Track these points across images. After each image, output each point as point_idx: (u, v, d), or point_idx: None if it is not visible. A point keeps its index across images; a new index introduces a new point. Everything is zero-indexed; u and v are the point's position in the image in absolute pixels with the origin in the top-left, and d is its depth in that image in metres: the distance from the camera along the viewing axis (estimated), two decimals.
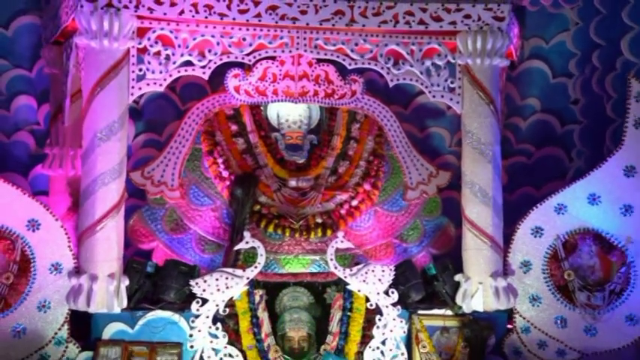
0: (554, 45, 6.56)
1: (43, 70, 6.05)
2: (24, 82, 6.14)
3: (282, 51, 5.31)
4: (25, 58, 6.14)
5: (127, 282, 5.06)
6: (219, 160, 5.73)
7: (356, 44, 5.29)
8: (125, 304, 5.06)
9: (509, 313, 5.47)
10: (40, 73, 6.10)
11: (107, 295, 4.95)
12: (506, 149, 6.48)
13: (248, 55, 5.24)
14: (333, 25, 5.18)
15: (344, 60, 5.33)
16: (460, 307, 5.32)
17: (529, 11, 6.48)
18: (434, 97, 5.40)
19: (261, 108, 5.91)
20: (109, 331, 5.18)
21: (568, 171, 6.52)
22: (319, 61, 5.64)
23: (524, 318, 5.45)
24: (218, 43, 5.18)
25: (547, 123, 6.62)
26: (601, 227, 5.45)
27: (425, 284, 5.45)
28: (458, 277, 5.34)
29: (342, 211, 5.74)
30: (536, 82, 6.60)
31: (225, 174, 5.70)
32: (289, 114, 5.86)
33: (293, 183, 5.72)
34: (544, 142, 6.62)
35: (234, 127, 5.86)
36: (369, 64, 5.33)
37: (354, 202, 5.78)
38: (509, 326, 5.49)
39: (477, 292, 5.24)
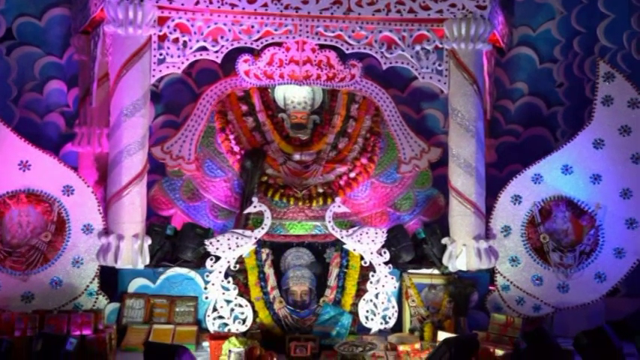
0: (540, 33, 6.96)
1: (73, 57, 6.52)
2: (55, 68, 6.60)
3: (287, 37, 5.78)
4: (56, 46, 6.58)
5: (149, 242, 5.56)
6: (231, 137, 6.21)
7: (353, 31, 5.75)
8: (148, 261, 5.57)
9: (491, 273, 5.91)
10: (70, 60, 6.57)
11: (132, 252, 5.46)
12: (496, 130, 6.98)
13: (256, 41, 5.72)
14: (332, 13, 5.66)
15: (342, 45, 5.80)
16: (446, 267, 5.78)
17: (518, 2, 6.89)
18: (423, 78, 5.85)
19: (269, 90, 6.37)
20: (134, 285, 5.72)
21: (553, 150, 6.88)
22: (321, 47, 6.10)
23: (504, 277, 5.88)
24: (229, 30, 5.66)
25: (534, 105, 7.01)
26: (573, 194, 5.85)
27: (415, 246, 5.92)
28: (444, 240, 5.80)
29: (341, 182, 6.20)
30: (524, 67, 7.00)
31: (236, 149, 6.18)
32: (295, 96, 6.33)
33: (297, 157, 6.20)
34: (531, 123, 7.00)
35: (244, 107, 6.33)
36: (365, 48, 5.79)
37: (352, 174, 6.24)
38: (491, 288, 5.92)
39: (461, 254, 5.69)
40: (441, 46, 5.79)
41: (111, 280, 5.73)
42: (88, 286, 5.57)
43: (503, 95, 7.03)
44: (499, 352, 5.06)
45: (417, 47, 5.80)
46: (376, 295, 5.67)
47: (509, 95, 7.04)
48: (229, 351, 4.80)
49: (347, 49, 5.81)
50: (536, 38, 6.97)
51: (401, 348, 5.18)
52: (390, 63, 5.85)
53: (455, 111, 5.79)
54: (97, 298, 5.59)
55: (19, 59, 6.53)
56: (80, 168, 6.37)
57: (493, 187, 6.02)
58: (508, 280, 5.89)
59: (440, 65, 5.82)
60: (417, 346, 5.25)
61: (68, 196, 5.55)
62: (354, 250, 5.71)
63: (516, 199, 5.90)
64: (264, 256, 5.72)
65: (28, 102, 6.56)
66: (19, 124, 6.32)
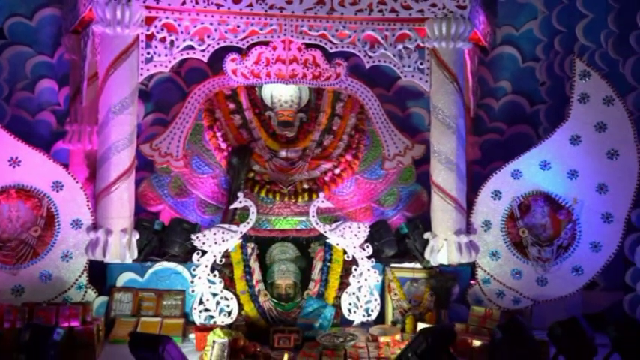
0: (523, 32, 7.07)
1: (64, 56, 6.61)
2: (46, 68, 6.70)
3: (272, 37, 5.90)
4: (48, 45, 6.68)
5: (137, 236, 5.68)
6: (219, 134, 6.32)
7: (336, 30, 5.87)
8: (136, 255, 5.69)
9: (472, 267, 6.02)
10: (61, 59, 6.66)
11: (120, 247, 5.58)
12: (480, 127, 7.07)
13: (242, 40, 5.83)
14: (316, 13, 5.78)
15: (326, 44, 5.91)
16: (428, 261, 5.90)
17: (501, 2, 7.01)
18: (405, 76, 5.97)
19: (256, 89, 6.48)
20: (122, 279, 5.83)
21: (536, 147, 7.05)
22: (308, 46, 6.20)
23: (484, 270, 6.00)
24: (216, 30, 5.78)
25: (517, 103, 7.12)
26: (551, 190, 5.95)
27: (397, 241, 6.04)
28: (427, 235, 5.92)
29: (327, 179, 6.32)
30: (508, 66, 7.11)
31: (223, 146, 6.29)
32: (281, 94, 6.43)
33: (283, 154, 6.31)
34: (515, 121, 7.10)
35: (231, 105, 6.44)
36: (349, 47, 5.91)
37: (337, 171, 6.36)
38: (472, 282, 6.04)
39: (443, 248, 5.81)
40: (422, 45, 5.91)
41: (100, 274, 5.83)
42: (77, 279, 5.68)
43: (488, 93, 7.13)
44: (476, 343, 5.18)
45: (400, 46, 5.92)
46: (359, 289, 5.78)
47: (493, 93, 7.15)
48: (213, 341, 4.89)
49: (331, 48, 5.92)
50: (519, 37, 7.08)
51: (382, 339, 5.29)
52: (374, 62, 5.96)
53: (436, 108, 5.90)
54: (86, 292, 5.70)
55: (11, 58, 6.62)
56: (71, 165, 6.46)
57: (477, 184, 6.12)
58: (488, 273, 6.00)
59: (422, 64, 5.93)
60: (398, 337, 5.36)
61: (57, 191, 5.66)
62: (338, 244, 5.82)
63: (496, 194, 6.01)
64: (249, 251, 5.83)
65: (20, 100, 6.65)
66: (11, 122, 6.41)
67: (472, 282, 6.05)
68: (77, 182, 5.75)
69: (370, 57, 5.93)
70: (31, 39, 6.67)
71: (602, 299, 6.24)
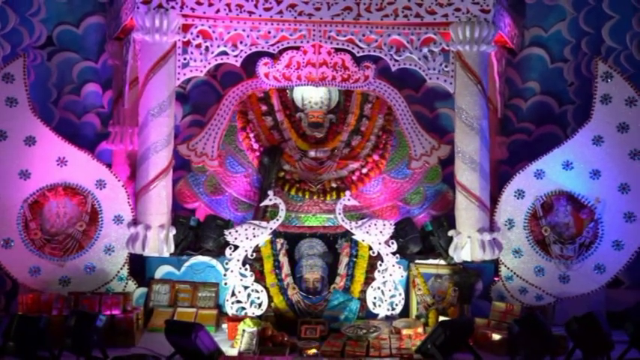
0: (552, 33, 7.08)
1: (107, 61, 6.88)
2: (91, 72, 6.94)
3: (301, 42, 6.07)
4: (93, 52, 6.94)
5: (174, 232, 5.92)
6: (251, 135, 6.54)
7: (363, 35, 6.01)
8: (173, 249, 5.92)
9: (495, 264, 6.10)
10: (105, 65, 6.93)
11: (158, 241, 5.82)
12: (508, 127, 7.10)
13: (273, 45, 6.03)
14: (343, 19, 5.93)
15: (353, 48, 6.06)
16: (452, 258, 5.99)
17: (529, 4, 7.05)
18: (430, 79, 6.08)
19: (287, 91, 6.67)
20: (160, 271, 6.09)
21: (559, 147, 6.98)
22: (337, 50, 6.35)
23: (508, 268, 6.06)
24: (248, 36, 5.98)
25: (546, 104, 7.13)
26: (573, 189, 5.99)
27: (422, 238, 6.16)
28: (451, 233, 6.02)
29: (354, 178, 6.48)
30: (536, 67, 7.12)
31: (255, 146, 6.51)
32: (312, 96, 6.62)
33: (312, 154, 6.50)
34: (543, 121, 7.12)
35: (264, 107, 6.65)
36: (375, 51, 6.04)
37: (364, 170, 6.51)
38: (495, 278, 6.12)
39: (466, 245, 5.90)
40: (447, 48, 5.98)
41: (139, 267, 6.09)
42: (118, 271, 5.95)
43: (516, 94, 7.15)
44: (496, 337, 5.26)
45: (425, 50, 6.01)
46: (384, 283, 5.91)
47: (521, 94, 7.16)
48: (243, 330, 5.10)
49: (358, 53, 6.06)
50: (547, 39, 7.08)
51: (404, 332, 5.43)
52: (400, 65, 6.05)
53: (460, 110, 5.98)
54: (126, 283, 5.96)
55: (59, 64, 6.91)
56: (114, 164, 6.67)
57: (505, 183, 6.17)
58: (511, 270, 6.06)
59: (446, 67, 6.01)
60: (420, 330, 5.49)
61: (101, 189, 5.94)
62: (363, 240, 5.96)
63: (520, 193, 6.06)
64: (278, 246, 6.02)
65: (67, 103, 6.94)
66: (59, 124, 6.71)
67: (495, 279, 6.13)
68: (119, 180, 6.02)
69: (396, 60, 6.03)
70: (77, 45, 6.90)
71: (626, 297, 6.26)
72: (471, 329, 4.82)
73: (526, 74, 7.17)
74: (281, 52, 6.29)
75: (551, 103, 7.16)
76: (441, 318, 5.58)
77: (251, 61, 6.36)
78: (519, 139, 7.14)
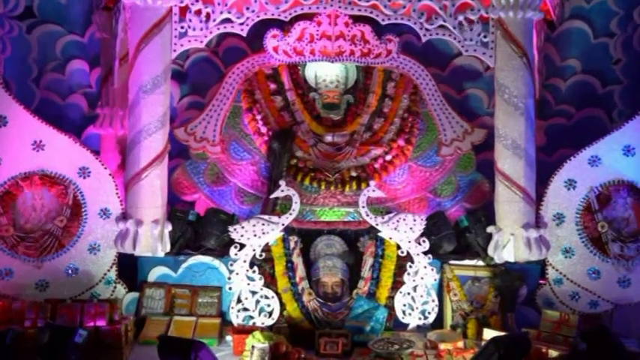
0: (595, 4, 6.60)
1: (95, 35, 6.48)
2: (77, 47, 6.59)
3: (317, 7, 5.55)
4: (78, 24, 6.57)
5: (170, 228, 5.48)
6: (258, 117, 6.13)
7: (389, 0, 5.47)
8: (168, 248, 5.50)
9: (542, 265, 5.63)
10: (92, 39, 6.54)
11: (151, 239, 5.38)
12: (546, 110, 6.69)
13: (284, 12, 5.51)
14: None
15: (377, 16, 5.53)
16: (492, 258, 5.53)
17: None
18: (466, 51, 5.57)
19: (299, 68, 6.24)
20: (154, 274, 5.67)
21: (609, 132, 6.51)
22: (355, 21, 5.86)
23: (556, 270, 5.60)
24: (255, 1, 5.47)
25: (588, 84, 6.69)
26: (635, 179, 5.53)
27: (457, 235, 5.71)
28: (490, 229, 5.54)
29: (377, 165, 6.06)
30: (577, 42, 6.68)
31: (263, 130, 6.09)
32: (327, 74, 6.18)
33: (329, 138, 6.08)
34: (584, 103, 6.69)
35: (272, 86, 6.22)
36: (403, 19, 5.51)
37: (388, 157, 6.08)
38: (541, 281, 5.64)
39: (509, 244, 5.42)
40: (486, 15, 5.49)
41: (130, 269, 5.68)
42: (105, 274, 5.55)
43: (554, 73, 6.73)
44: (553, 353, 4.78)
45: (460, 17, 5.53)
46: (414, 288, 5.48)
47: (559, 73, 6.75)
48: (252, 347, 4.66)
49: (383, 20, 5.56)
50: (590, 10, 6.64)
51: (442, 346, 4.98)
52: (430, 35, 5.58)
53: (502, 87, 5.49)
54: (115, 287, 5.56)
55: (40, 38, 6.54)
56: (102, 151, 6.37)
57: (542, 173, 5.72)
58: (561, 273, 5.61)
59: (485, 37, 5.55)
60: (460, 344, 5.04)
61: (84, 178, 5.53)
62: (390, 238, 5.52)
63: (570, 183, 5.61)
64: (292, 244, 5.59)
65: (50, 82, 6.59)
66: (40, 106, 6.37)
67: (542, 282, 5.66)
68: (105, 168, 5.59)
69: (427, 30, 5.52)
70: (61, 17, 6.59)
71: None
72: (528, 347, 4.34)
73: (565, 51, 6.73)
74: (292, 23, 5.82)
75: (594, 83, 6.72)
76: (485, 330, 5.07)
77: (257, 34, 5.89)
78: (558, 123, 6.74)
